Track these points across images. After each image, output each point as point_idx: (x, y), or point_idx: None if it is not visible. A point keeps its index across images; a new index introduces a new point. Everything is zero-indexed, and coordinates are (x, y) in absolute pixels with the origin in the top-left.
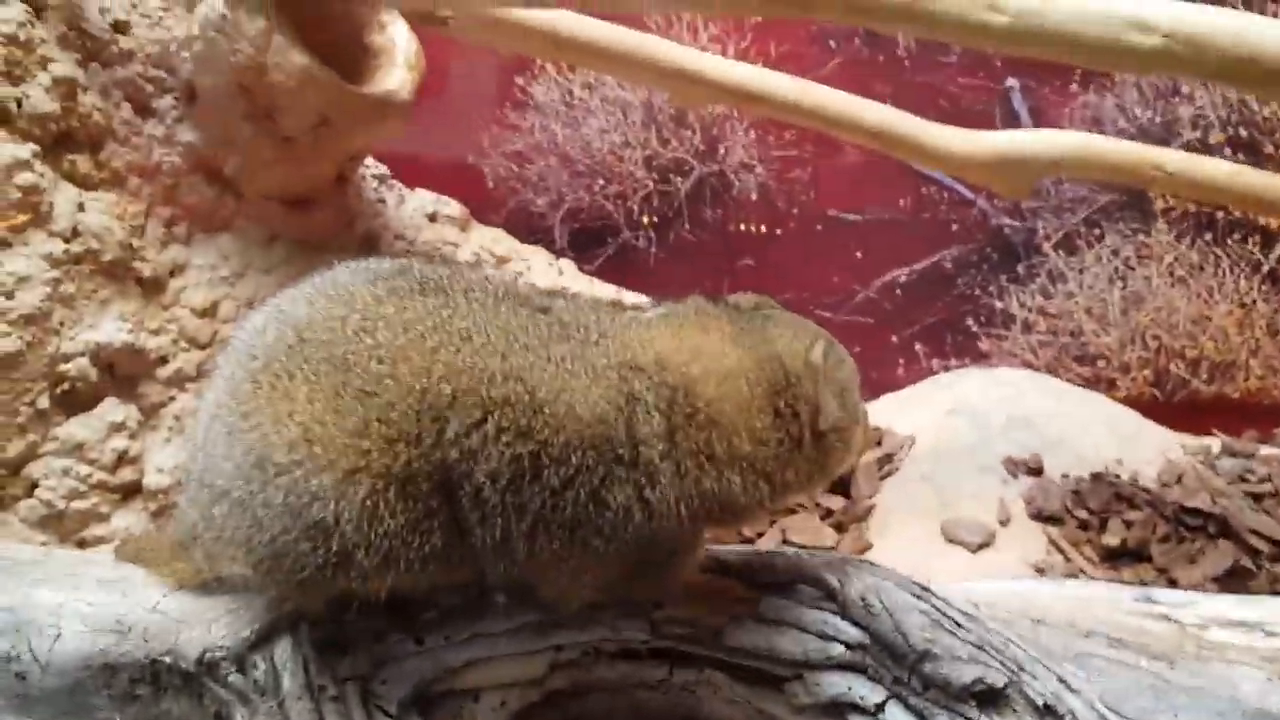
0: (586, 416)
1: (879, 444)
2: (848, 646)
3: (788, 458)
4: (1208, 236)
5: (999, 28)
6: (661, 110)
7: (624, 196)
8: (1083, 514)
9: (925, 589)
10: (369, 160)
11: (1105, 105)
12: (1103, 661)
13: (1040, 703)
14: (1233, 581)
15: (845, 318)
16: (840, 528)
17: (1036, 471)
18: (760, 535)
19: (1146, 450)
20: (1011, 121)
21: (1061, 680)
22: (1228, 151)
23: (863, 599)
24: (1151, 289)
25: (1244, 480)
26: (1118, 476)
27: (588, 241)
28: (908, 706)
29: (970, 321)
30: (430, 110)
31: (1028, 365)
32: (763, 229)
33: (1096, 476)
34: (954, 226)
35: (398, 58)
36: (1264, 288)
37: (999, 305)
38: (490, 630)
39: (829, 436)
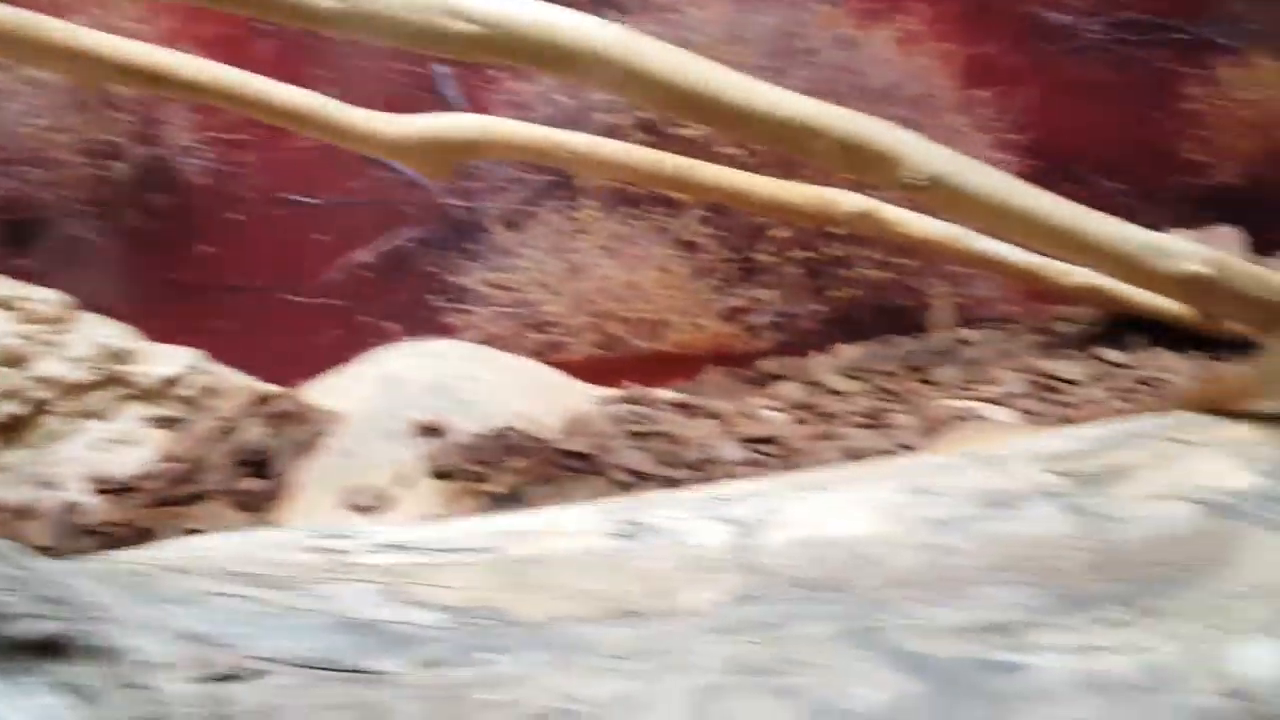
0: None
1: (303, 422)
2: None
3: None
4: (627, 210)
5: (327, 11)
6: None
7: (59, 185)
8: (476, 468)
9: (17, 551)
10: None
11: (530, 91)
12: (222, 598)
13: (101, 645)
14: None
15: (315, 300)
16: (248, 508)
17: (441, 433)
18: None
19: (560, 405)
20: (442, 106)
21: (136, 622)
22: (638, 135)
23: None
24: (590, 260)
25: (632, 422)
26: (517, 430)
27: (23, 235)
28: None
29: (435, 299)
30: None
31: (494, 337)
32: (219, 214)
33: (497, 433)
34: (408, 209)
35: None
36: (680, 253)
37: (459, 282)
38: None
39: None
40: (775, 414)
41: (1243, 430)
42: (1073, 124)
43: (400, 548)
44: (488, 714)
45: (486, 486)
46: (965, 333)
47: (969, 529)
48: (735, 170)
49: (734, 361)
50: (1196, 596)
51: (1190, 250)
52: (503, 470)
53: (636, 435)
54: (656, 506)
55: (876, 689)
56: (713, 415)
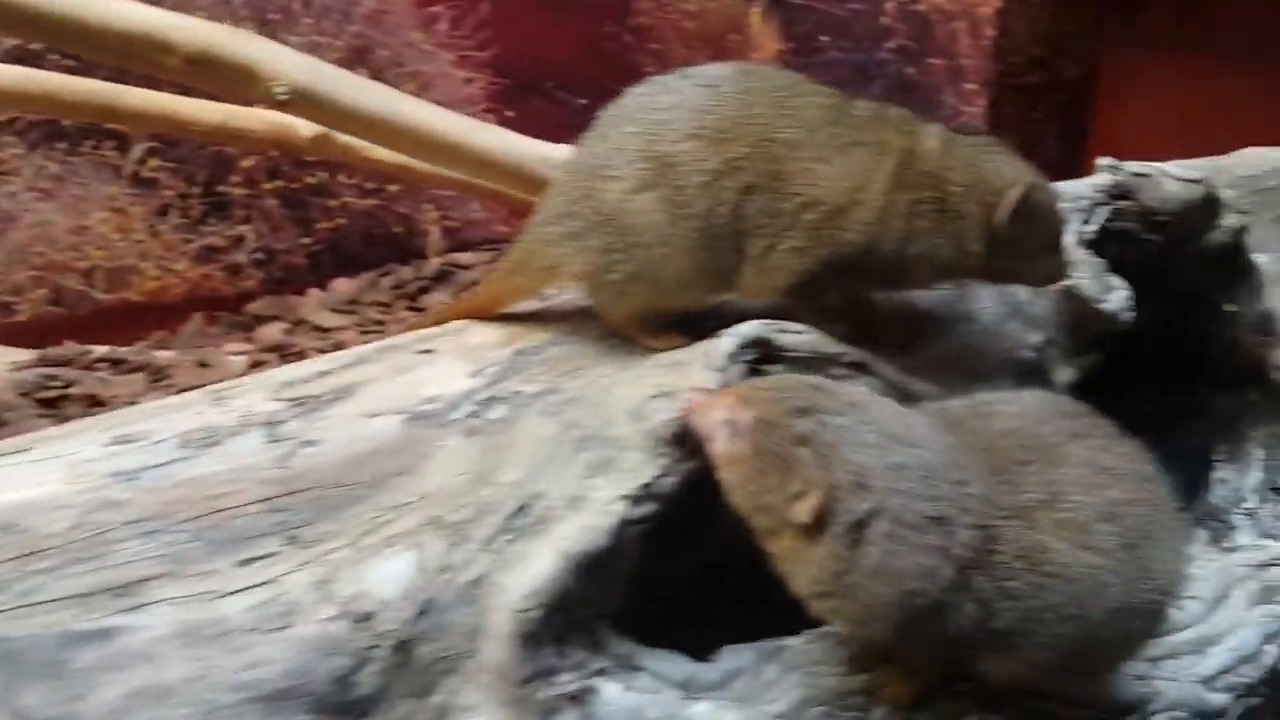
0: None
1: None
2: None
3: None
4: (61, 146)
5: None
6: None
7: None
8: None
9: None
10: None
11: None
12: None
13: None
14: None
15: None
16: None
17: None
18: None
19: None
20: None
21: None
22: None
23: None
24: (21, 205)
25: (44, 388)
26: None
27: None
28: None
29: None
30: None
31: None
32: None
33: None
34: None
35: None
36: (133, 190)
37: None
38: None
39: None
40: (239, 359)
41: (489, 332)
42: (534, 40)
43: None
44: None
45: None
46: (460, 256)
47: (153, 477)
48: (174, 95)
49: (222, 306)
50: (360, 515)
51: None
52: None
53: (46, 402)
54: None
55: None
56: (150, 369)
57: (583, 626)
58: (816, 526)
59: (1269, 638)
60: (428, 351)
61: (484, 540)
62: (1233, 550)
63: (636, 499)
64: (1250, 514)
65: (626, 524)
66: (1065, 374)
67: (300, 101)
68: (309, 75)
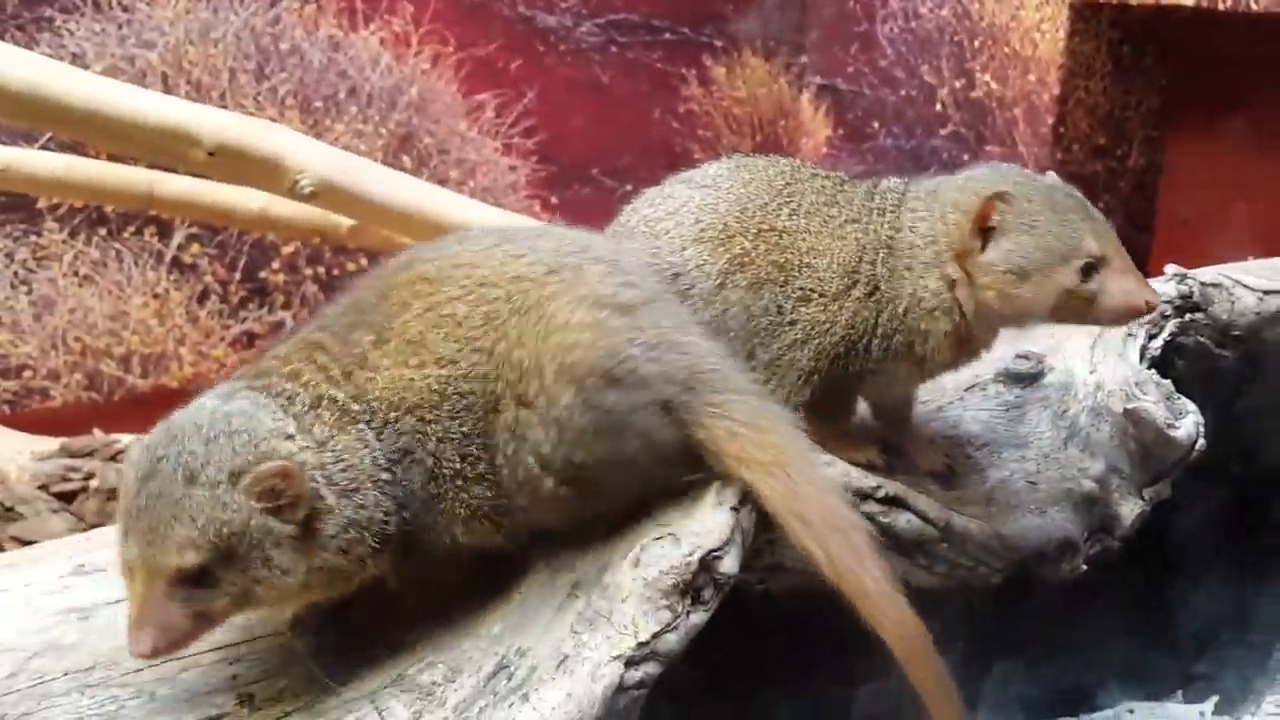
0: None
1: None
2: None
3: None
4: (103, 231)
5: None
6: None
7: None
8: None
9: None
10: None
11: None
12: None
13: None
14: None
15: None
16: None
17: None
18: None
19: None
20: None
21: None
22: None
23: None
24: (60, 290)
25: (64, 480)
26: None
27: None
28: None
29: None
30: None
31: None
32: None
33: None
34: None
35: None
36: (173, 276)
37: None
38: None
39: None
40: None
41: None
42: (579, 127)
43: None
44: None
45: None
46: None
47: (106, 616)
48: (214, 184)
49: None
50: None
51: None
52: None
53: (63, 496)
54: None
55: None
56: None
57: None
58: None
59: None
60: None
61: (457, 708)
62: None
63: (633, 660)
64: None
65: (620, 690)
66: (1132, 507)
67: (327, 194)
68: (335, 168)
